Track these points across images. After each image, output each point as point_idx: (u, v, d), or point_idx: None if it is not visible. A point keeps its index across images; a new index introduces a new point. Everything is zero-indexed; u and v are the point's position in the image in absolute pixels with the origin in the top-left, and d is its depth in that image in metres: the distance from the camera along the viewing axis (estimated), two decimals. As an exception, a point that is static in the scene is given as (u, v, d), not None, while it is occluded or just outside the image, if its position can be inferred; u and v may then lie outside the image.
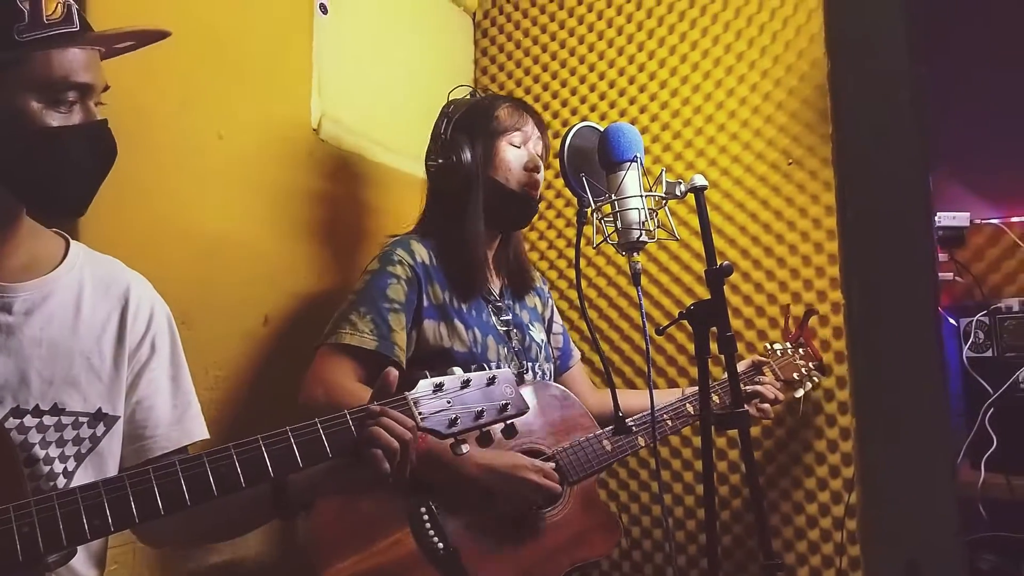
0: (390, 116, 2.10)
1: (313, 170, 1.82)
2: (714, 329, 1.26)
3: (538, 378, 1.70)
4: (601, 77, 2.31)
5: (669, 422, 1.71)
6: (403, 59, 2.19)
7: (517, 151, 1.66)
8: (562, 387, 1.71)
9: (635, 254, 1.28)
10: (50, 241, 1.08)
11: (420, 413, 1.07)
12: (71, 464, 1.03)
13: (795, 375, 1.89)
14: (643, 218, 1.26)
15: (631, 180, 1.27)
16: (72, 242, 1.12)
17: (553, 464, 1.54)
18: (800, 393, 1.90)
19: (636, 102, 2.24)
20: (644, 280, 2.18)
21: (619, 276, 2.24)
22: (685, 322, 1.28)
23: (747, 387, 1.78)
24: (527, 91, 2.41)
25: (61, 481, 1.02)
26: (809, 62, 2.00)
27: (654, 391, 1.95)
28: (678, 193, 1.29)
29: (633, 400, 1.72)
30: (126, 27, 1.03)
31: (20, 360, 0.99)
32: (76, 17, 0.99)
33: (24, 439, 0.98)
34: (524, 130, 1.67)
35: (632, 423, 1.62)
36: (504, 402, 1.13)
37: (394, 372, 1.07)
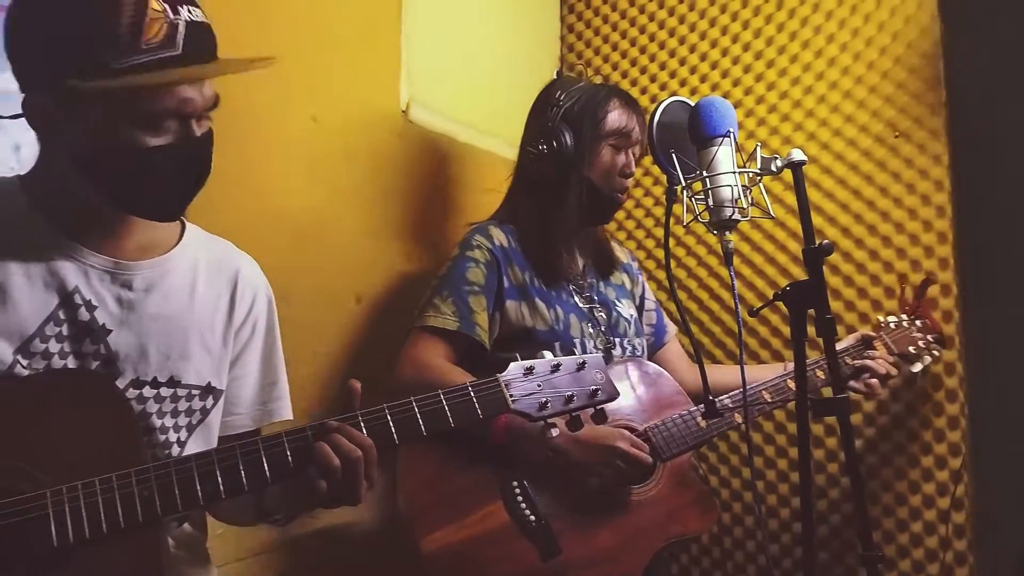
0: (477, 98, 2.12)
1: (402, 152, 1.86)
2: (812, 311, 1.22)
3: (627, 353, 1.70)
4: (692, 50, 2.25)
5: (768, 397, 1.66)
6: (489, 40, 2.20)
7: (618, 155, 1.66)
8: (656, 365, 1.71)
9: (727, 233, 1.24)
10: (167, 224, 1.12)
11: (511, 395, 1.08)
12: (183, 434, 1.09)
13: (911, 348, 1.79)
14: (736, 196, 1.22)
15: (724, 156, 1.23)
16: (188, 224, 1.17)
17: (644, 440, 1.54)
18: (918, 367, 1.80)
19: (729, 75, 2.18)
20: (736, 260, 2.12)
21: (710, 256, 2.19)
22: (781, 304, 1.24)
23: (855, 361, 1.72)
24: (614, 67, 2.38)
25: (175, 450, 1.08)
26: (918, 29, 1.90)
27: (755, 366, 1.95)
28: (773, 169, 1.24)
29: (731, 376, 1.67)
30: (231, 57, 1.03)
31: (140, 334, 1.05)
32: (180, 40, 0.94)
33: (143, 409, 1.04)
34: (629, 133, 1.66)
35: (728, 399, 1.61)
36: (594, 387, 1.14)
37: (356, 385, 1.04)
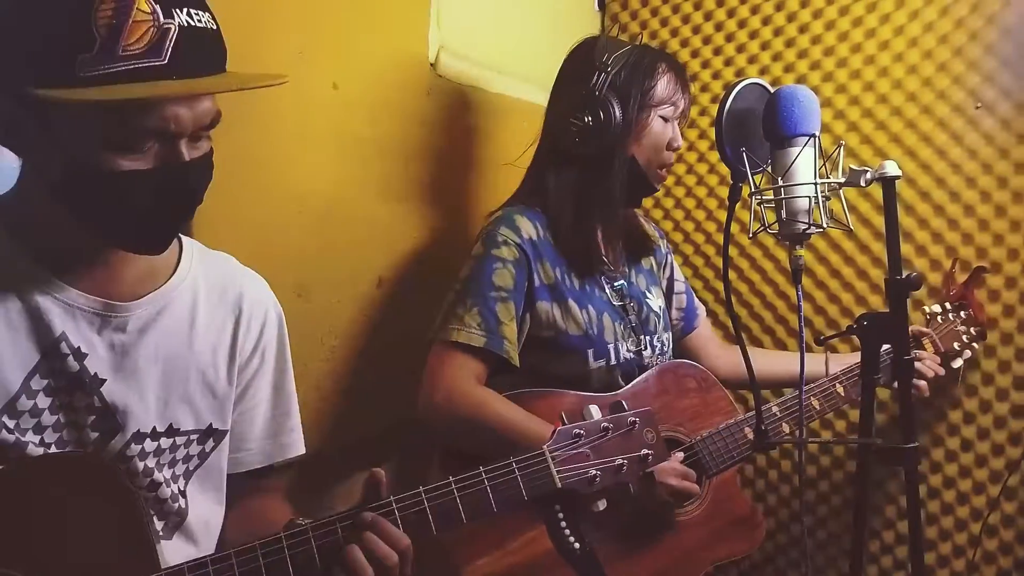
0: (511, 41, 1.98)
1: (431, 112, 1.73)
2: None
3: (656, 352, 1.60)
4: (766, 22, 2.00)
5: (816, 405, 1.60)
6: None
7: (664, 126, 1.52)
8: (700, 366, 1.64)
9: (798, 247, 1.10)
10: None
11: (558, 472, 1.02)
12: (181, 483, 1.01)
13: (955, 344, 1.70)
14: (812, 207, 1.07)
15: (804, 162, 1.07)
16: (185, 242, 1.07)
17: (690, 457, 1.49)
18: (958, 364, 1.71)
19: (820, 67, 1.93)
20: (807, 282, 1.95)
21: (777, 273, 2.02)
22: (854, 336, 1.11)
23: None
24: (654, 12, 2.17)
25: (180, 502, 1.00)
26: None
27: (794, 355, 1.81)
28: (862, 182, 1.08)
29: (763, 362, 1.62)
30: (232, 78, 0.89)
31: (137, 381, 0.96)
32: (169, 47, 0.81)
33: (144, 465, 0.96)
34: (678, 103, 1.53)
35: (777, 408, 1.56)
36: (646, 452, 1.07)
37: (380, 474, 0.94)
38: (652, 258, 1.71)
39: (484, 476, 0.97)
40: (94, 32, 0.78)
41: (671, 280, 1.76)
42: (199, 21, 0.85)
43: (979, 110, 1.74)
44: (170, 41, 0.81)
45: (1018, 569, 1.75)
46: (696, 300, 1.82)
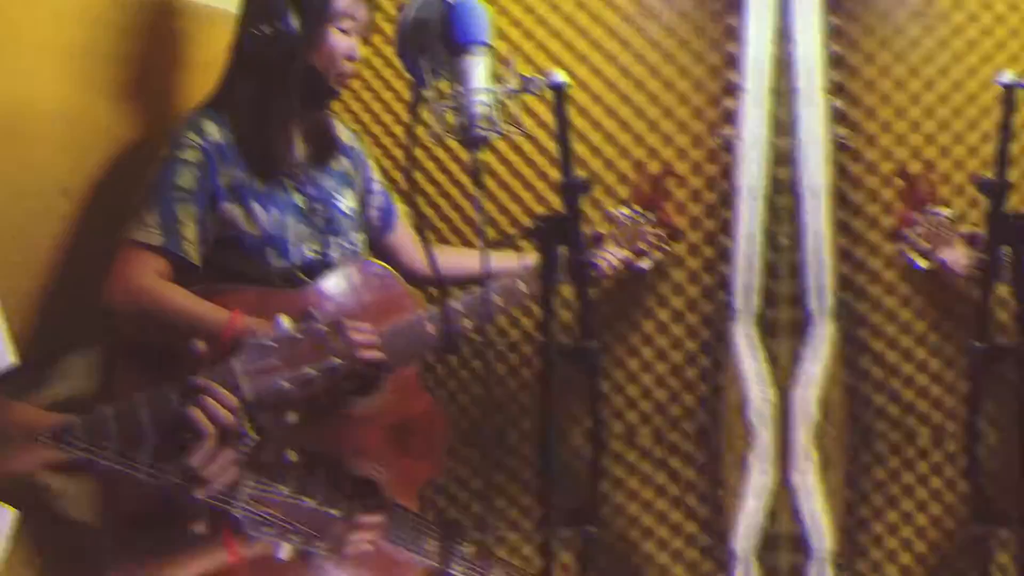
0: None
1: (119, 17, 1.70)
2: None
3: (346, 252, 1.70)
4: None
5: (500, 301, 1.72)
6: None
7: (344, 39, 1.63)
8: (383, 266, 1.72)
9: (478, 151, 1.23)
10: None
11: (248, 383, 1.07)
12: None
13: (641, 244, 1.86)
14: (487, 112, 1.19)
15: (477, 69, 1.18)
16: None
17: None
18: (646, 264, 1.88)
19: None
20: (492, 183, 2.08)
21: (463, 174, 2.11)
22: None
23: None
24: None
25: None
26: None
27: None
28: (533, 89, 1.21)
29: (456, 261, 1.75)
30: None
31: None
32: None
33: None
34: (357, 16, 1.65)
35: (462, 307, 1.64)
36: (336, 361, 1.13)
37: None
38: (346, 160, 1.79)
39: None
40: None
41: (367, 180, 1.85)
42: None
43: (657, 21, 1.94)
44: None
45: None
46: (394, 203, 1.91)
